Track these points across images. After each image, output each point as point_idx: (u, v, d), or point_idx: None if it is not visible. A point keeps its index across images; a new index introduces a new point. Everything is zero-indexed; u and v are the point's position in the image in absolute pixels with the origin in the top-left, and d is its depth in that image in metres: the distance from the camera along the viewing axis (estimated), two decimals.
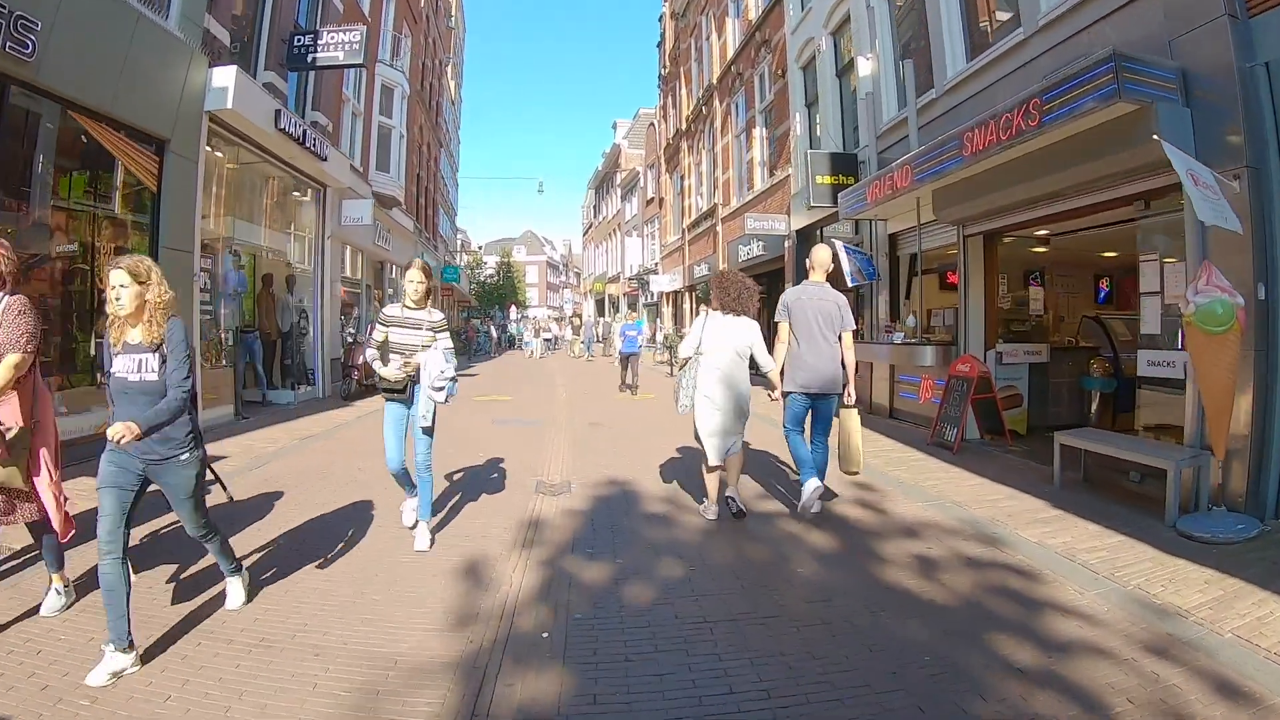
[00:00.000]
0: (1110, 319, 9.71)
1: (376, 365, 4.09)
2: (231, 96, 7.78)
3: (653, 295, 28.40)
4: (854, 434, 4.81)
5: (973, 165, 6.22)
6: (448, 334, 4.15)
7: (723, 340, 4.51)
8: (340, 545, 4.08)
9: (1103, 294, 10.45)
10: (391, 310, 4.16)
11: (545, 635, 2.96)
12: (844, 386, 4.73)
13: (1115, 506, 4.79)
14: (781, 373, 4.70)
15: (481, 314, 54.51)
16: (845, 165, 10.44)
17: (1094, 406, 8.30)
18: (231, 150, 8.92)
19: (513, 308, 30.53)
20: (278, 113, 8.79)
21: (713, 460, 4.53)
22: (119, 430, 2.51)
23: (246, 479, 5.57)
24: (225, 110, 7.86)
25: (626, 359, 13.40)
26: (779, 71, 14.19)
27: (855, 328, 4.85)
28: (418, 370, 3.99)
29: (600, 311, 44.09)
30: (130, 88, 6.56)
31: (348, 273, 13.66)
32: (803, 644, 2.89)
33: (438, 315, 4.16)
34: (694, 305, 22.42)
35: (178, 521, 3.13)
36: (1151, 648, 2.81)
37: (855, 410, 4.82)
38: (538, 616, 3.16)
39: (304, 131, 9.42)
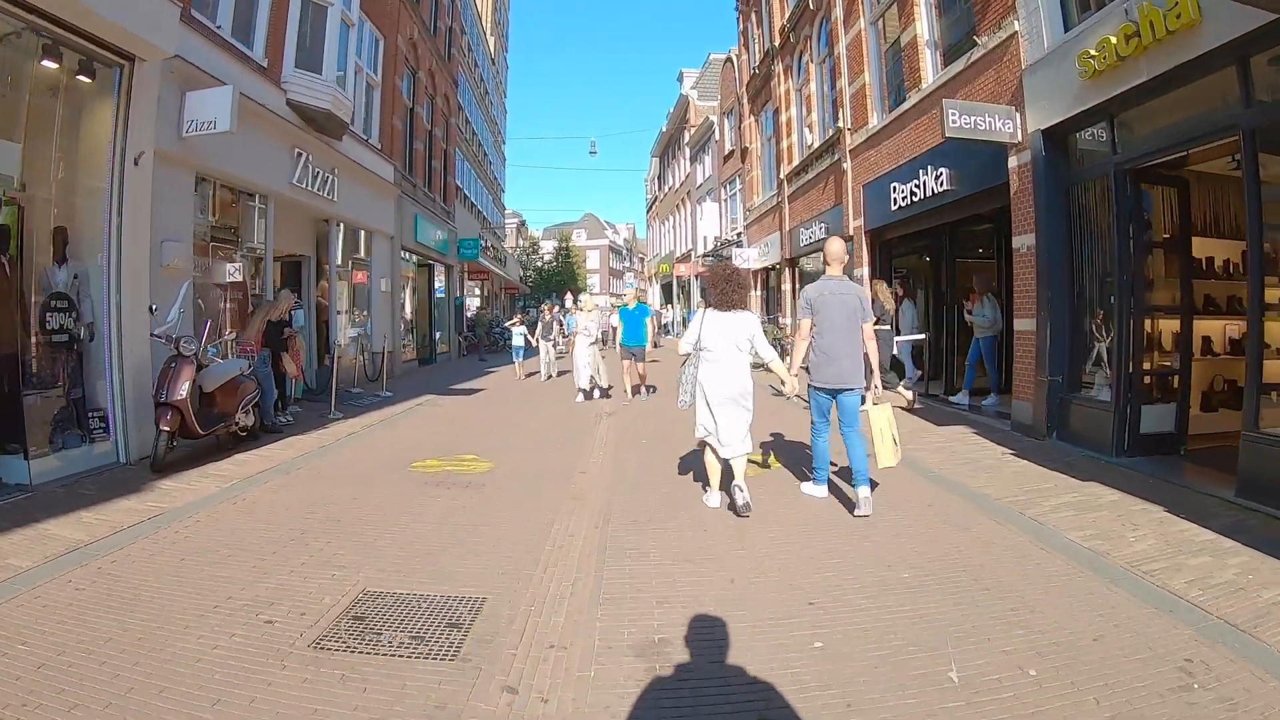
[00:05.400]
0: None
1: None
2: None
3: None
4: (888, 428, 4.61)
5: None
6: None
7: (721, 335, 4.47)
8: None
9: None
10: None
11: None
12: (869, 380, 4.67)
13: None
14: (805, 368, 4.73)
15: (536, 301, 49.28)
16: None
17: None
18: None
19: (568, 295, 24.50)
20: None
21: (722, 454, 4.51)
22: None
23: None
24: None
25: (631, 353, 10.45)
26: None
27: (874, 319, 4.73)
28: None
29: (668, 298, 37.67)
30: None
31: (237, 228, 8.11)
32: None
33: None
34: (796, 285, 16.01)
35: None
36: None
37: (887, 405, 4.70)
38: None
39: None
